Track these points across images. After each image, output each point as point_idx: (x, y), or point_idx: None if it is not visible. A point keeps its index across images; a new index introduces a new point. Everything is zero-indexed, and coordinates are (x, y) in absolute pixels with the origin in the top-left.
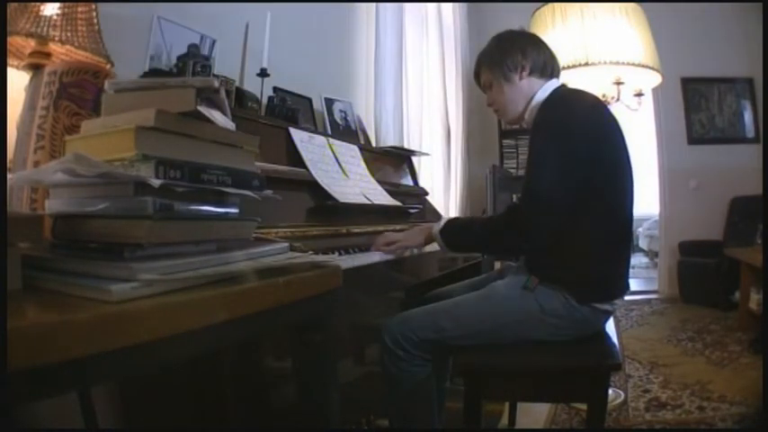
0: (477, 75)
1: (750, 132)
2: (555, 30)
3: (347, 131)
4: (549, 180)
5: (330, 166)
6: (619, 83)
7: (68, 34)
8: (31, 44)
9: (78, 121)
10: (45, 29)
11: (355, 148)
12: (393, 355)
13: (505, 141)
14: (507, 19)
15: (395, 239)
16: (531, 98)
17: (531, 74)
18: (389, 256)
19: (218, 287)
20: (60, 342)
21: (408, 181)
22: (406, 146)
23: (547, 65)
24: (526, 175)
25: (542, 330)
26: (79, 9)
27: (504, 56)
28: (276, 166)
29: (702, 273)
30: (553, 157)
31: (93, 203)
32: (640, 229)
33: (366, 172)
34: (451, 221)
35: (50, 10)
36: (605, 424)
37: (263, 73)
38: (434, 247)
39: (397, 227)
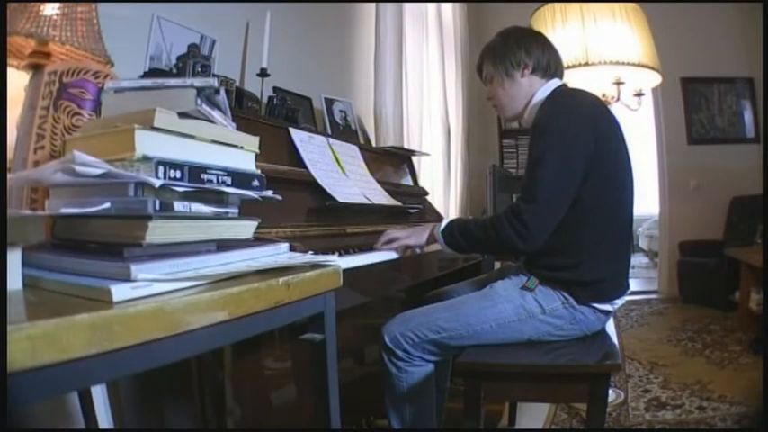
0: (479, 67)
1: (750, 132)
2: (555, 30)
3: (347, 131)
4: (548, 180)
5: (330, 166)
6: (619, 83)
7: (68, 34)
8: (31, 44)
9: (78, 121)
10: (45, 29)
11: (355, 148)
12: (393, 354)
13: (505, 141)
14: (507, 19)
15: (396, 237)
16: (532, 97)
17: (533, 72)
18: (390, 256)
19: (218, 287)
20: (60, 342)
21: (408, 181)
22: (406, 146)
23: (550, 65)
24: (526, 175)
25: (542, 330)
26: (79, 9)
27: (507, 52)
28: (276, 166)
29: (702, 273)
30: (553, 157)
31: (94, 203)
32: (640, 229)
33: (366, 172)
34: (453, 222)
35: (50, 10)
36: (605, 424)
37: (263, 73)
38: (435, 246)
39: (398, 227)
